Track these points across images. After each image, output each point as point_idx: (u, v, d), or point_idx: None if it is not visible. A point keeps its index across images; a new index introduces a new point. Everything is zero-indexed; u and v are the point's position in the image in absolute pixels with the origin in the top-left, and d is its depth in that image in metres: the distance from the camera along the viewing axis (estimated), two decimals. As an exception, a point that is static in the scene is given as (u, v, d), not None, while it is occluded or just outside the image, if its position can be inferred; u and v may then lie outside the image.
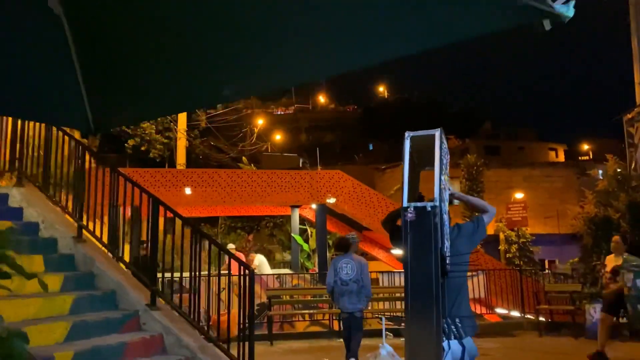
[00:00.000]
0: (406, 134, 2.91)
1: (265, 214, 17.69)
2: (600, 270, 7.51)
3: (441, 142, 2.87)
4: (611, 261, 7.46)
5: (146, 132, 19.67)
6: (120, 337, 4.65)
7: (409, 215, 2.73)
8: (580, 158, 48.17)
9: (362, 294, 6.95)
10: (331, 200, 12.58)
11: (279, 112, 71.01)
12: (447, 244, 2.81)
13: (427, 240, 2.66)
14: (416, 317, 2.57)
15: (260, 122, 31.28)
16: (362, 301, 6.97)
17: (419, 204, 2.76)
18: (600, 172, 40.76)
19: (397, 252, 16.57)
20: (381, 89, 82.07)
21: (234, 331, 6.50)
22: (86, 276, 5.36)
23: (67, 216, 5.88)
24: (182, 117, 19.61)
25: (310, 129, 67.97)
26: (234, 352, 4.89)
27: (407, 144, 2.88)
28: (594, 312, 9.27)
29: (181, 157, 18.74)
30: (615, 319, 7.47)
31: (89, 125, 3.26)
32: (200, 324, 5.43)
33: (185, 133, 19.48)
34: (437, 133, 2.87)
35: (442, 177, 2.85)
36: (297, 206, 15.67)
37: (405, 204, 2.77)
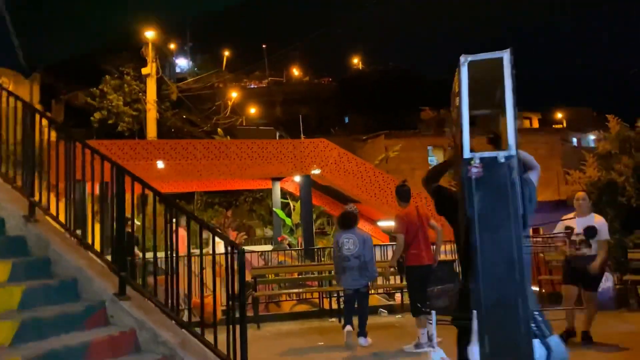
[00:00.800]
0: (462, 58, 2.11)
1: (245, 188, 16.83)
2: (568, 235, 6.42)
3: (512, 68, 2.07)
4: (571, 221, 6.36)
5: (113, 104, 18.47)
6: (82, 336, 3.82)
7: (474, 170, 1.95)
8: (554, 126, 48.53)
9: (364, 269, 6.50)
10: (316, 171, 11.78)
11: (252, 86, 69.63)
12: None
13: (502, 204, 1.88)
14: (493, 312, 1.81)
15: (234, 94, 30.21)
16: (364, 277, 6.57)
17: (486, 155, 1.98)
18: (575, 139, 40.88)
19: (383, 224, 15.93)
20: (356, 60, 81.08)
21: (218, 316, 6.66)
22: (40, 262, 4.48)
23: (18, 193, 4.95)
24: (152, 88, 18.42)
25: (285, 102, 67.03)
26: (221, 340, 4.09)
27: (464, 71, 2.07)
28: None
29: (152, 130, 17.65)
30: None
31: (20, 63, 2.43)
32: (181, 308, 4.64)
33: (155, 104, 18.32)
34: (505, 55, 2.07)
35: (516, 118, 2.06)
36: (279, 179, 14.86)
37: (467, 154, 1.98)
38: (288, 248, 12.91)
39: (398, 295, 10.92)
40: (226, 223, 17.37)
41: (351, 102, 64.52)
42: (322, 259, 10.45)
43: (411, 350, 6.21)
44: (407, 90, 62.88)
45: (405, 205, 6.21)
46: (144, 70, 18.10)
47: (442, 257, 11.43)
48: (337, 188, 12.73)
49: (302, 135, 15.92)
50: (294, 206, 15.49)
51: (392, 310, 9.57)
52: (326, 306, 9.53)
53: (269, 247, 13.80)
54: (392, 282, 10.50)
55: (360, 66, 79.46)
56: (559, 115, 54.10)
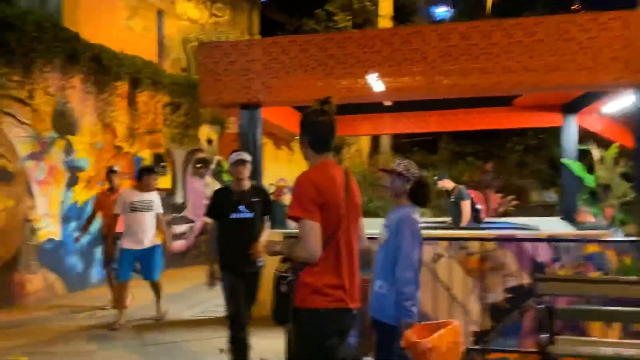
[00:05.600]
0: None
1: (515, 127, 11.11)
2: None
3: None
4: None
5: (339, 25, 14.54)
6: None
7: None
8: None
9: None
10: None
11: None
12: None
13: None
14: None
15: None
16: None
17: None
18: None
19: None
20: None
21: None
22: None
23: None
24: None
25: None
26: None
27: None
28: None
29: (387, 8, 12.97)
30: None
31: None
32: None
33: (392, 22, 13.74)
34: None
35: None
36: (575, 109, 8.90)
37: None
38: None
39: None
40: (484, 182, 12.12)
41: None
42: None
43: None
44: None
45: (319, 158, 2.48)
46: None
47: None
48: None
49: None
50: (601, 157, 9.25)
51: None
52: None
53: (562, 225, 8.07)
54: None
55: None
56: None
